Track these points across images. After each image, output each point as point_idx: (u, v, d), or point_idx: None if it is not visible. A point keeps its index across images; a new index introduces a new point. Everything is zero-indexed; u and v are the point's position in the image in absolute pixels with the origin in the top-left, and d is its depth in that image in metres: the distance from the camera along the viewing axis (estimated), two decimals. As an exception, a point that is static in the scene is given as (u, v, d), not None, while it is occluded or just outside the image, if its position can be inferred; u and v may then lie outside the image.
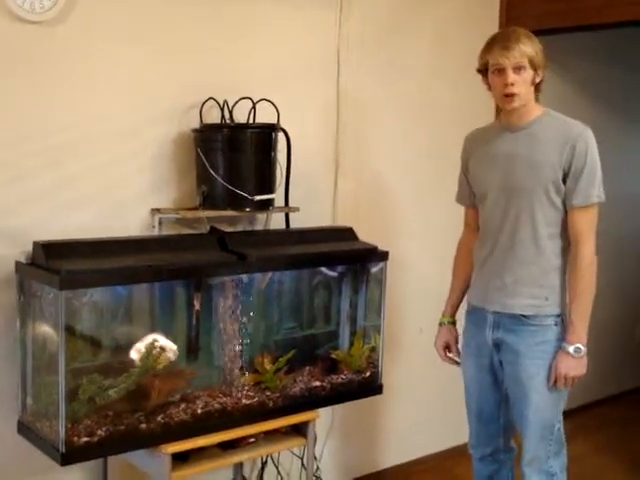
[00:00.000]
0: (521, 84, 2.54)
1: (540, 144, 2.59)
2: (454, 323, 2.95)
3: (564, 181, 2.56)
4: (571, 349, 2.58)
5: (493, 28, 3.96)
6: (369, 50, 3.52)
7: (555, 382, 2.61)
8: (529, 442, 2.70)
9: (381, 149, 3.64)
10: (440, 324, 2.97)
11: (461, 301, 2.94)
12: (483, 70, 2.64)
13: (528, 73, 2.55)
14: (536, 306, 2.63)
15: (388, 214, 3.70)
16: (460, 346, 2.92)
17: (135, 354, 2.61)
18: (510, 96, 2.55)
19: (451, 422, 4.06)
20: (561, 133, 2.58)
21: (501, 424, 2.85)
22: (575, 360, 2.58)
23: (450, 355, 2.94)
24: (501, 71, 2.55)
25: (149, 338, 2.63)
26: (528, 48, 2.53)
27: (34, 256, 2.53)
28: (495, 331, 2.71)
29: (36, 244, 2.53)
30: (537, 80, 2.59)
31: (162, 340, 2.65)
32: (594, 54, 4.59)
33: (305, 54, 3.32)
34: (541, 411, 2.66)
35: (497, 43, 2.56)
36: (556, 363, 2.60)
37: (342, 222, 3.42)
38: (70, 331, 2.47)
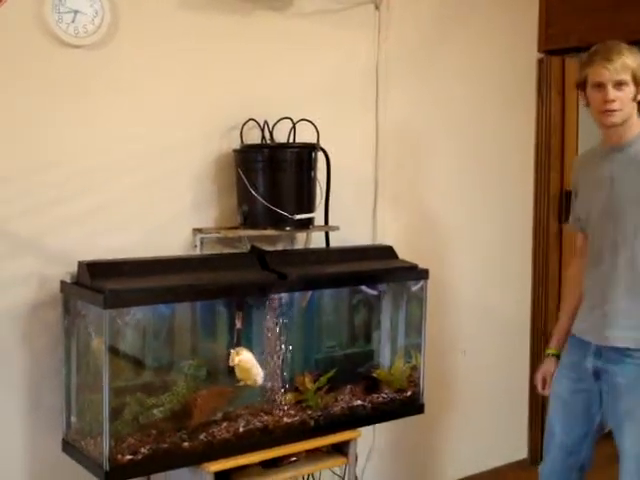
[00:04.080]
0: (622, 100, 2.43)
1: None
2: (559, 356, 2.82)
3: None
4: None
5: (532, 46, 3.98)
6: (408, 70, 3.53)
7: None
8: (625, 476, 2.57)
9: (420, 168, 3.64)
10: (546, 355, 2.87)
11: (568, 333, 2.77)
12: (581, 84, 2.52)
13: (630, 89, 2.43)
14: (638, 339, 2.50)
15: (429, 233, 3.69)
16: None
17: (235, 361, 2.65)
18: (610, 112, 2.45)
19: (494, 443, 4.04)
20: None
21: (581, 458, 2.72)
22: None
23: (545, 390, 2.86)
24: (601, 86, 2.44)
25: (244, 354, 2.67)
26: (630, 61, 2.41)
27: (79, 276, 2.57)
28: (596, 359, 2.58)
29: (81, 264, 2.57)
30: None
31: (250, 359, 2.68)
32: None
33: (344, 74, 3.34)
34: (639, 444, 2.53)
35: (598, 55, 2.45)
36: None
37: (381, 241, 3.41)
38: (114, 350, 2.51)
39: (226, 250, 3.03)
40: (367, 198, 3.47)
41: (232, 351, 2.66)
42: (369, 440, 3.49)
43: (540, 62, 4.02)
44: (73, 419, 2.66)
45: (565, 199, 3.99)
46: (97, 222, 2.76)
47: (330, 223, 3.16)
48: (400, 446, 3.72)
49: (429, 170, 3.68)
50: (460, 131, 3.76)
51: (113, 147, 2.78)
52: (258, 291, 2.74)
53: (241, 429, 2.71)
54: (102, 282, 2.45)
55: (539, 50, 4.02)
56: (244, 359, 2.67)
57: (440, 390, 3.71)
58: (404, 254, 3.22)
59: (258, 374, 2.70)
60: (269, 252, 2.95)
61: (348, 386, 3.05)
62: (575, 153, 4.03)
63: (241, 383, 2.69)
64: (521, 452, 4.21)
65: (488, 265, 3.92)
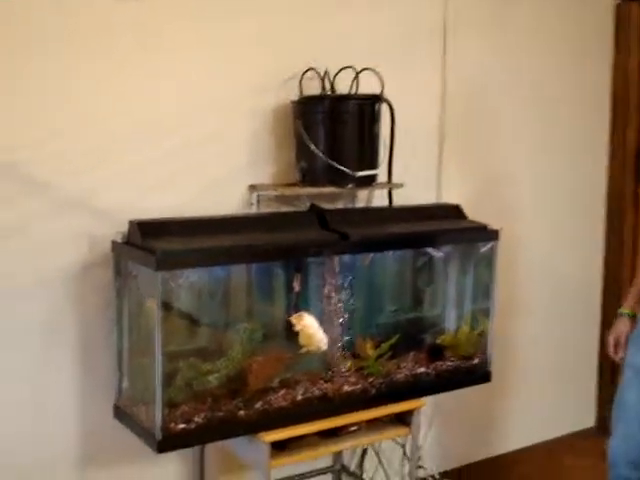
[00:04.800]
0: None
1: None
2: (634, 317, 2.69)
3: None
4: None
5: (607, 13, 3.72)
6: (477, 22, 3.30)
7: None
8: None
9: (488, 125, 3.43)
10: (619, 314, 2.74)
11: None
12: None
13: None
14: None
15: (496, 193, 3.49)
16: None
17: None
18: None
19: (560, 410, 3.87)
20: None
21: None
22: None
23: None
24: None
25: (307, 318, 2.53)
26: None
27: (130, 235, 2.43)
28: None
29: (132, 223, 2.43)
30: None
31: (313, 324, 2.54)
32: None
33: (410, 24, 3.13)
34: None
35: None
36: None
37: (447, 200, 3.22)
38: (167, 313, 2.37)
39: (284, 208, 2.87)
40: (432, 155, 3.28)
41: (294, 316, 2.52)
42: (431, 407, 3.33)
43: (618, 7, 3.75)
44: (125, 384, 2.55)
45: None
46: (148, 180, 2.61)
47: (393, 180, 2.97)
48: (462, 413, 3.56)
49: (497, 128, 3.46)
50: (530, 87, 3.53)
51: (163, 100, 2.62)
52: (318, 252, 2.57)
53: (299, 397, 2.57)
54: (154, 242, 2.31)
55: (617, -5, 3.75)
56: (307, 324, 2.53)
57: (505, 355, 3.52)
58: (471, 214, 3.03)
59: (322, 340, 2.56)
60: (329, 211, 2.78)
61: (411, 353, 2.89)
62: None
63: (303, 350, 2.55)
64: (588, 420, 4.03)
65: (557, 228, 3.71)
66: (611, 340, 2.75)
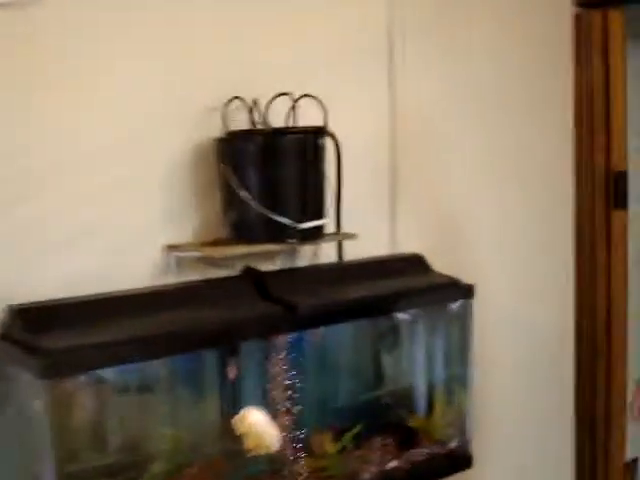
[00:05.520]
0: None
1: None
2: None
3: None
4: None
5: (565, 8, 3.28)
6: (425, 34, 2.80)
7: None
8: None
9: (444, 155, 2.91)
10: None
11: None
12: None
13: None
14: None
15: (458, 236, 2.97)
16: None
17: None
18: None
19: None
20: None
21: None
22: None
23: None
24: None
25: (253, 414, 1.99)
26: None
27: (8, 326, 1.82)
28: None
29: (11, 309, 1.82)
30: None
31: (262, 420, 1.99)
32: None
33: (350, 40, 2.60)
34: None
35: None
36: None
37: (404, 249, 2.70)
38: (62, 425, 1.77)
39: (211, 273, 2.27)
40: (383, 195, 2.74)
41: (236, 418, 1.95)
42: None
43: (577, 18, 3.31)
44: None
45: (614, 181, 3.32)
46: (32, 245, 1.99)
47: (343, 229, 2.43)
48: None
49: (453, 158, 2.95)
50: (488, 110, 3.03)
51: (50, 141, 2.01)
52: (259, 332, 2.01)
53: (246, 515, 2.00)
54: (39, 337, 1.71)
55: (575, 3, 3.31)
56: (254, 422, 1.96)
57: (486, 432, 2.96)
58: (432, 263, 2.53)
59: (273, 438, 1.99)
60: (268, 274, 2.22)
61: (378, 440, 2.34)
62: (623, 126, 3.34)
63: (252, 453, 1.98)
64: None
65: (523, 266, 3.21)
66: None
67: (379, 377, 2.48)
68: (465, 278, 2.53)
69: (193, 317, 1.91)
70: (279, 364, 2.11)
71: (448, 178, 2.94)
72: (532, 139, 3.22)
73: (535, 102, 3.20)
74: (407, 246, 2.70)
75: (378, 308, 2.28)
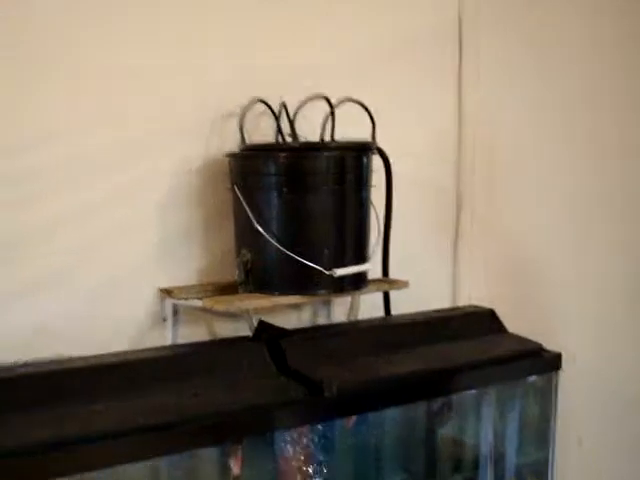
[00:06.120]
0: None
1: None
2: None
3: None
4: None
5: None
6: (502, 28, 2.28)
7: None
8: None
9: (519, 184, 2.37)
10: None
11: None
12: None
13: None
14: None
15: (536, 286, 2.42)
16: None
17: None
18: None
19: None
20: None
21: None
22: None
23: None
24: None
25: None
26: None
27: None
28: None
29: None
30: None
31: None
32: None
33: (410, 33, 2.11)
34: None
35: None
36: None
37: (466, 301, 2.17)
38: None
39: (216, 325, 1.82)
40: (444, 231, 2.22)
41: None
42: None
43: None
44: None
45: None
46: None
47: (391, 276, 1.90)
48: None
49: (530, 189, 2.40)
50: (574, 124, 2.48)
51: (24, 150, 1.57)
52: (271, 422, 1.47)
53: None
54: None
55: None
56: None
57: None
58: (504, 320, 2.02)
59: None
60: (289, 335, 1.68)
61: None
62: None
63: None
64: None
65: (616, 334, 2.65)
66: None
67: (431, 464, 1.93)
68: (543, 339, 2.00)
69: (185, 404, 1.38)
70: (298, 455, 1.59)
71: (523, 212, 2.39)
72: (629, 168, 2.65)
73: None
74: (472, 296, 2.17)
75: (436, 387, 1.73)
